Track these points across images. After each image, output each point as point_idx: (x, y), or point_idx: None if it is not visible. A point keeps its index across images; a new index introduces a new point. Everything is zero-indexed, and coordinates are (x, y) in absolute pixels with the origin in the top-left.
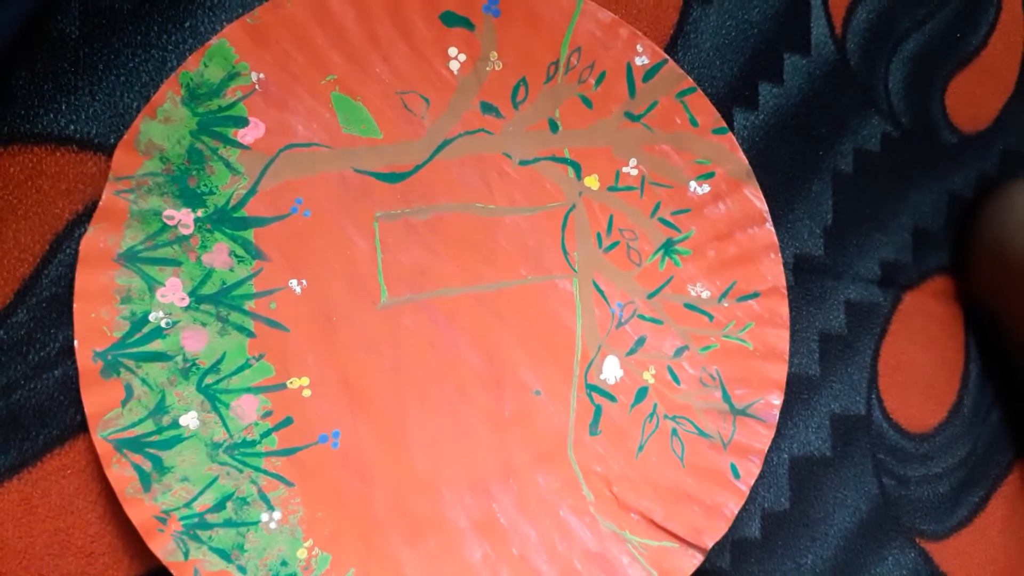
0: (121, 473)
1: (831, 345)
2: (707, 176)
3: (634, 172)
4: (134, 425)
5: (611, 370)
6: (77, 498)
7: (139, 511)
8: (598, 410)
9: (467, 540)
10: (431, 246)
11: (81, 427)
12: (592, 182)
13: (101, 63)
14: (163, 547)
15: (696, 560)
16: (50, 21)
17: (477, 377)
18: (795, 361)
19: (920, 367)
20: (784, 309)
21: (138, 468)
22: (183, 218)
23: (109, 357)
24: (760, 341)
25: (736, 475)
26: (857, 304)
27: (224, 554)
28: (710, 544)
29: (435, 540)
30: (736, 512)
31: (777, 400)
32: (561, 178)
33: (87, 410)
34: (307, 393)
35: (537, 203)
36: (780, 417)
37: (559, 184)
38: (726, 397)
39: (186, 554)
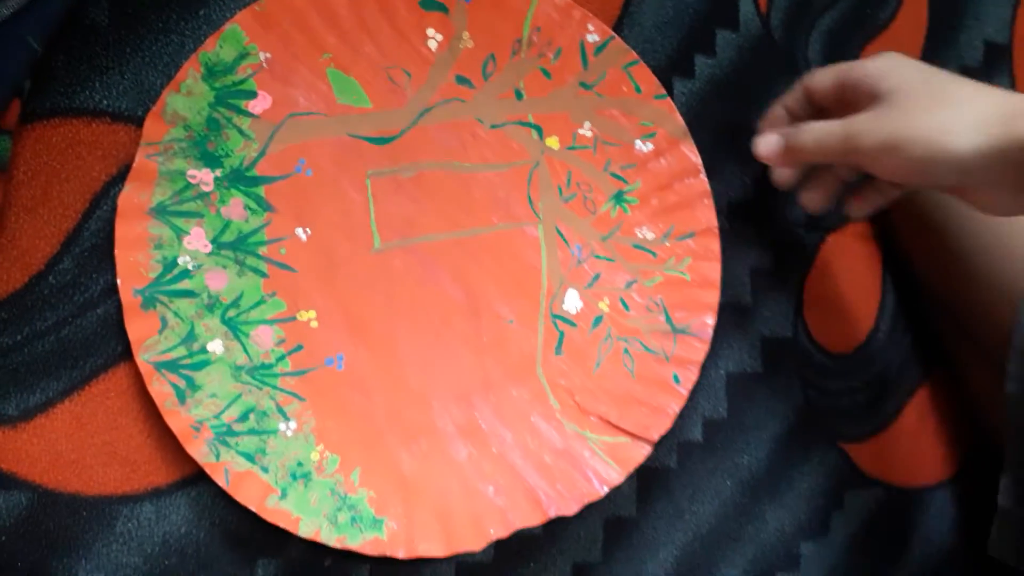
0: (161, 389)
1: (761, 279)
2: (650, 136)
3: (588, 133)
4: (169, 350)
5: (572, 302)
6: (120, 416)
7: (177, 421)
8: (561, 335)
9: (454, 442)
10: (416, 199)
11: (121, 356)
12: (553, 142)
13: (128, 46)
14: (199, 450)
15: (645, 451)
16: (83, 11)
17: (458, 309)
18: (729, 292)
19: (841, 297)
20: (716, 246)
21: (174, 386)
22: (204, 177)
23: (147, 293)
24: (696, 273)
25: (677, 381)
26: (785, 244)
27: (249, 457)
28: (656, 437)
29: (427, 442)
30: (678, 411)
31: (710, 320)
32: (526, 139)
33: (130, 337)
34: (314, 324)
35: (506, 161)
36: (718, 339)
37: (524, 144)
38: (668, 320)
39: (217, 456)
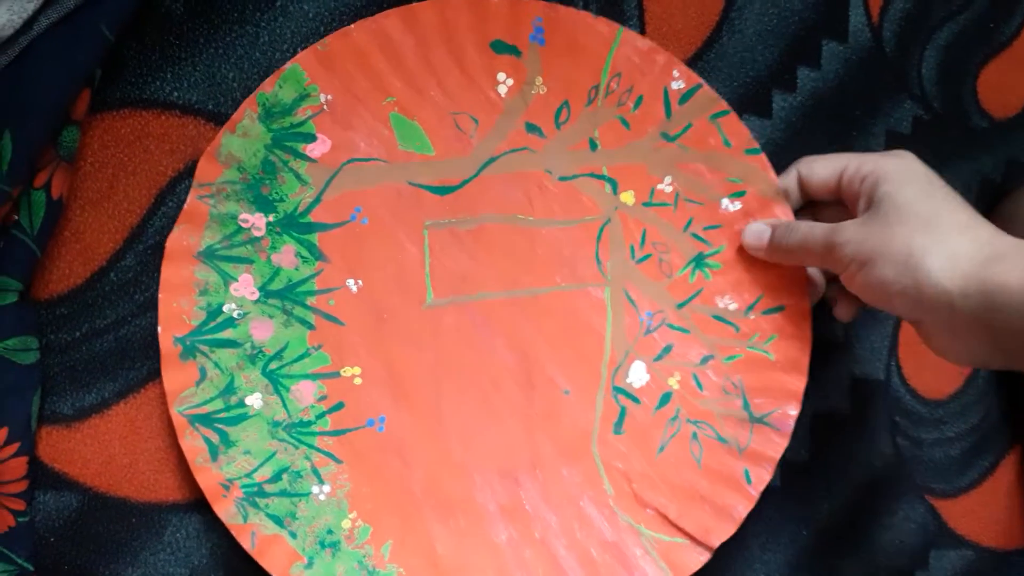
0: (193, 444)
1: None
2: (739, 194)
3: (668, 189)
4: (206, 403)
5: (637, 374)
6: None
7: (207, 478)
8: (623, 411)
9: (494, 522)
10: (474, 253)
11: None
12: (628, 197)
13: (202, 37)
14: (226, 510)
15: (703, 558)
16: None
17: (510, 375)
18: (821, 327)
19: None
20: (807, 323)
21: (208, 440)
22: (256, 222)
23: (187, 342)
24: (782, 353)
25: (748, 480)
26: None
27: (278, 520)
28: (717, 544)
29: (465, 520)
30: (744, 515)
31: (794, 411)
32: (598, 193)
33: (166, 387)
34: (358, 381)
35: (574, 216)
36: None
37: (596, 199)
38: (746, 405)
39: (245, 518)
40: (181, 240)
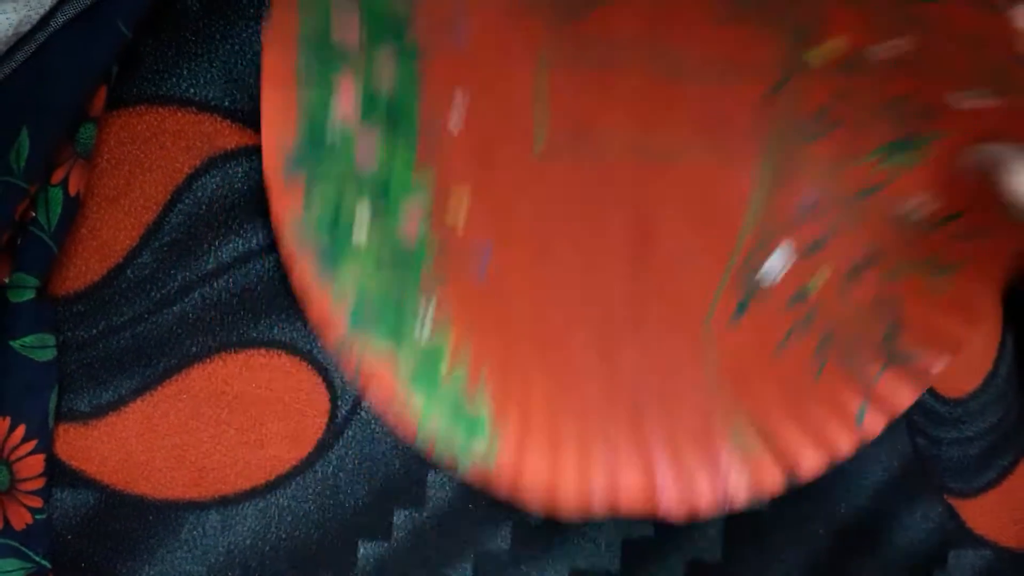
0: (303, 274)
1: None
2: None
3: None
4: (311, 230)
5: (776, 263)
6: (191, 420)
7: (318, 297)
8: (748, 297)
9: (589, 381)
10: (601, 99)
11: (195, 358)
12: (821, 53)
13: (218, 33)
14: (331, 339)
15: (781, 480)
16: None
17: (624, 240)
18: None
19: None
20: (1005, 263)
21: (318, 266)
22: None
23: (292, 165)
24: (960, 290)
25: (859, 421)
26: None
27: (380, 353)
28: (802, 471)
29: (562, 374)
30: (842, 456)
31: (939, 366)
32: (778, 42)
33: (274, 212)
34: (461, 223)
35: (739, 67)
36: None
37: (775, 50)
38: (889, 336)
39: (351, 347)
40: (277, 64)
